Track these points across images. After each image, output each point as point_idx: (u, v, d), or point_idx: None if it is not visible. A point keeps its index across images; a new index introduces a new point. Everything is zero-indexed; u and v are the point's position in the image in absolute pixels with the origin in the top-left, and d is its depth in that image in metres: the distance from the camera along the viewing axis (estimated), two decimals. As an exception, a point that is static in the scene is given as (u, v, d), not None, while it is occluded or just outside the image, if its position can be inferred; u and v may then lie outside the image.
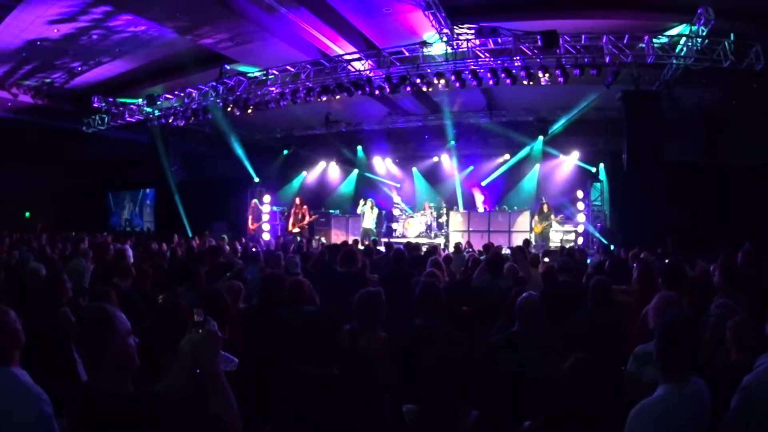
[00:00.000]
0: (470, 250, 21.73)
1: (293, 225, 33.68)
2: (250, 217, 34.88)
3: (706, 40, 19.26)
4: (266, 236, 32.71)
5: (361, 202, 33.86)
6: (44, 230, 31.35)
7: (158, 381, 4.65)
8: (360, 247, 20.20)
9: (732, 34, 18.84)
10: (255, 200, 34.83)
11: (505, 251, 18.86)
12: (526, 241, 20.24)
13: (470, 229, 31.11)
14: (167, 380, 4.57)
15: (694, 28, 19.38)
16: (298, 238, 29.28)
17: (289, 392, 5.18)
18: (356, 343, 7.36)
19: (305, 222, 33.62)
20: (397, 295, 8.38)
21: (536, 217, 30.06)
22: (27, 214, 44.72)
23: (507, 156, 33.70)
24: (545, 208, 29.87)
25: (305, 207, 34.19)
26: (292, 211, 34.28)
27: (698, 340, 5.50)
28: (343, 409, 4.94)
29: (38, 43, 23.43)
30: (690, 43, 19.74)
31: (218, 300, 6.74)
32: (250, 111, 26.78)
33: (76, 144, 35.14)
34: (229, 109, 27.01)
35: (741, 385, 5.32)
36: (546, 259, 16.83)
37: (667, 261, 14.52)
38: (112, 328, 4.02)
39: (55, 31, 22.40)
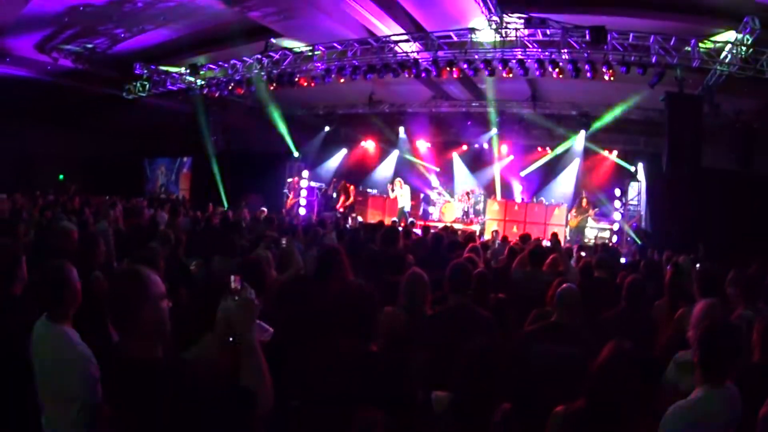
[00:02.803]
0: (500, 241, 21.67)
1: (342, 204, 33.98)
2: (291, 193, 35.17)
3: (750, 50, 19.18)
4: (302, 211, 33.03)
5: (390, 187, 34.20)
6: (77, 193, 31.48)
7: (191, 348, 4.65)
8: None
9: (775, 46, 18.72)
10: (298, 179, 35.03)
11: (545, 243, 18.74)
12: (555, 235, 20.11)
13: (506, 219, 31.23)
14: (198, 348, 4.58)
15: (739, 36, 19.28)
16: (349, 218, 29.57)
17: (323, 366, 5.16)
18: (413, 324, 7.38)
19: (349, 202, 33.84)
20: (433, 278, 8.33)
21: (573, 211, 30.02)
22: (61, 176, 44.89)
23: (548, 149, 33.67)
24: (584, 203, 29.92)
25: (353, 187, 34.69)
26: (342, 192, 34.59)
27: (739, 347, 5.49)
28: (375, 387, 4.91)
29: (81, 8, 23.37)
30: (734, 51, 19.66)
31: (257, 268, 6.70)
32: (294, 86, 26.71)
33: (114, 110, 35.21)
34: (272, 83, 26.98)
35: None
36: (582, 254, 16.73)
37: (698, 266, 14.38)
38: (145, 291, 3.99)
39: (99, -4, 22.36)
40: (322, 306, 6.92)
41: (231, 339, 4.14)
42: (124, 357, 3.90)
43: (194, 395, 3.74)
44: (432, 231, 17.67)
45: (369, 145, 38.71)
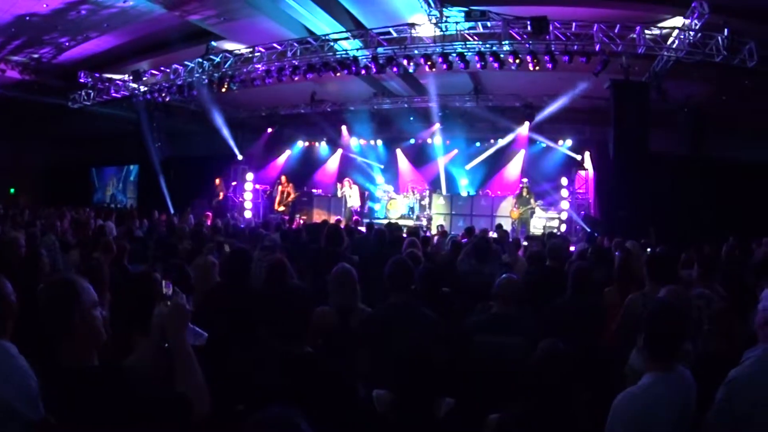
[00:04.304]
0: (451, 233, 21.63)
1: (279, 203, 33.85)
2: (221, 193, 35.06)
3: (699, 34, 19.31)
4: (248, 214, 32.76)
5: (338, 186, 34.20)
6: (27, 206, 31.30)
7: (128, 355, 4.58)
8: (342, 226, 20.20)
9: (726, 30, 18.80)
10: (221, 179, 35.01)
11: (492, 234, 18.76)
12: (500, 226, 20.15)
13: (453, 213, 31.34)
14: (135, 354, 4.54)
15: (687, 21, 19.36)
16: (286, 217, 29.29)
17: (259, 369, 5.12)
18: (347, 321, 7.30)
19: (290, 199, 33.74)
20: (376, 276, 8.26)
21: (515, 202, 29.94)
22: (12, 190, 44.70)
23: (492, 141, 33.81)
24: (525, 192, 29.69)
25: (291, 185, 34.29)
26: (279, 189, 34.34)
27: (685, 329, 5.47)
28: (314, 388, 4.84)
29: (27, 18, 23.34)
30: (682, 36, 19.78)
31: (180, 273, 6.67)
32: (235, 88, 26.76)
33: (61, 120, 35.18)
34: (214, 85, 26.91)
35: (727, 378, 5.24)
36: (525, 243, 16.74)
37: (649, 250, 14.44)
38: (77, 299, 3.92)
39: (45, 6, 22.31)
40: (257, 309, 6.88)
41: (166, 344, 4.10)
42: (58, 367, 3.83)
43: (129, 403, 3.67)
44: (376, 228, 17.61)
45: (313, 145, 38.86)
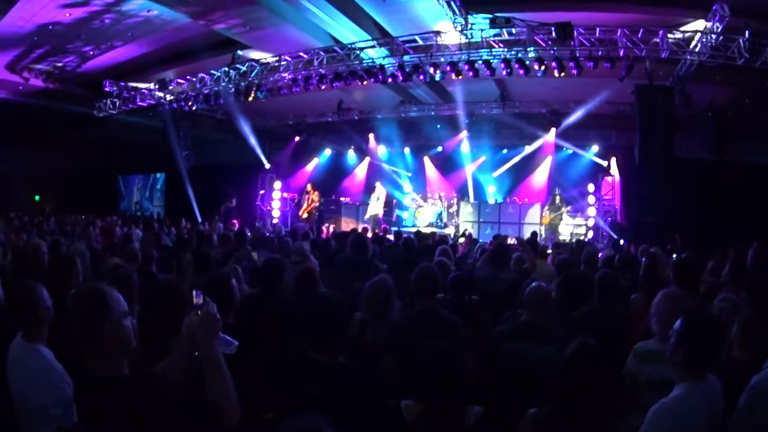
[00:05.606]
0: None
1: (304, 211, 33.73)
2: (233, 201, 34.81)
3: (721, 37, 19.18)
4: (275, 222, 32.76)
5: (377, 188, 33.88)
6: (52, 213, 31.37)
7: (156, 363, 4.60)
8: (369, 234, 20.14)
9: (747, 32, 18.71)
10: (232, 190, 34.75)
11: (511, 240, 18.71)
12: (534, 234, 20.09)
13: (480, 220, 31.33)
14: (165, 363, 4.54)
15: (709, 24, 19.30)
16: (323, 228, 29.25)
17: (292, 378, 5.15)
18: (365, 333, 7.28)
19: (313, 206, 33.63)
20: (405, 284, 8.25)
21: (547, 208, 29.99)
22: (37, 197, 44.82)
23: (519, 147, 33.60)
24: (557, 200, 29.90)
25: (317, 192, 34.25)
26: (305, 197, 34.25)
27: (723, 340, 5.44)
28: (347, 397, 4.87)
29: (50, 27, 23.35)
30: (704, 40, 19.67)
31: (225, 283, 6.65)
32: (262, 97, 26.74)
33: (86, 128, 35.26)
34: (240, 94, 26.91)
35: (749, 384, 5.24)
36: (549, 251, 16.71)
37: (675, 256, 14.39)
38: (107, 309, 3.94)
39: (67, 15, 22.31)
40: (287, 317, 6.86)
41: (196, 353, 4.13)
42: (87, 375, 3.87)
43: (159, 411, 3.70)
44: (404, 236, 17.61)
45: (340, 152, 38.77)
